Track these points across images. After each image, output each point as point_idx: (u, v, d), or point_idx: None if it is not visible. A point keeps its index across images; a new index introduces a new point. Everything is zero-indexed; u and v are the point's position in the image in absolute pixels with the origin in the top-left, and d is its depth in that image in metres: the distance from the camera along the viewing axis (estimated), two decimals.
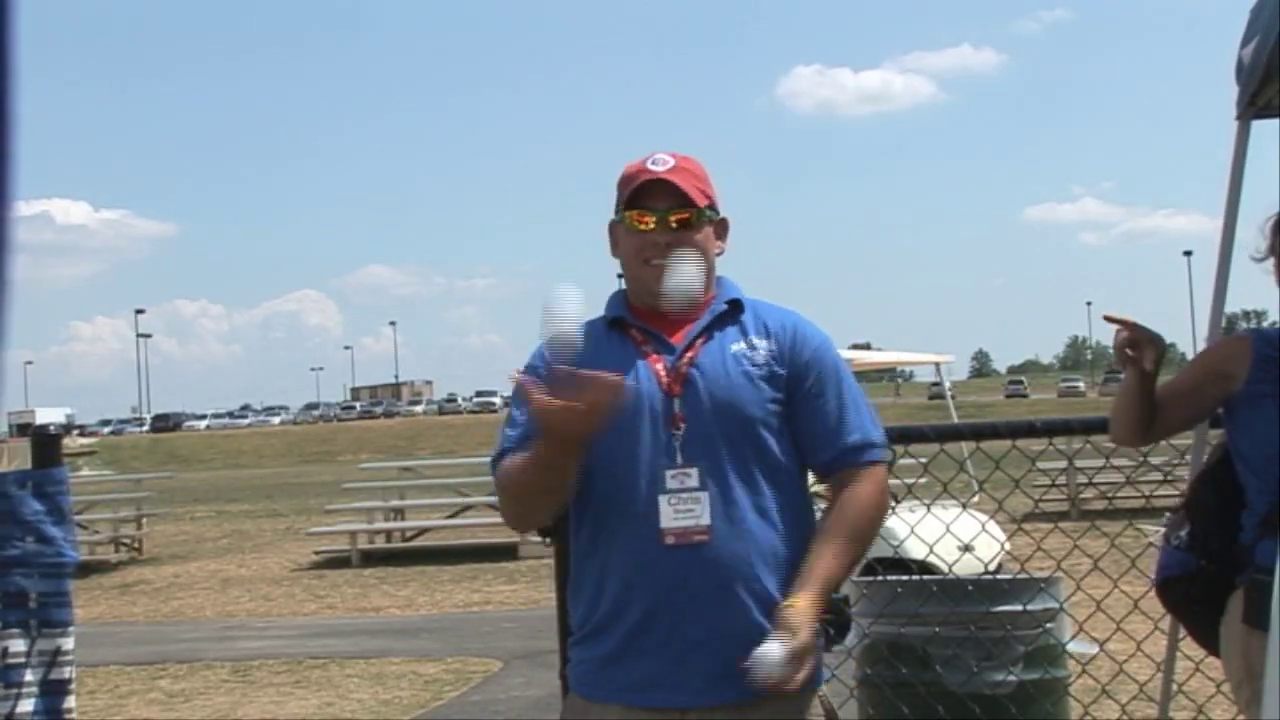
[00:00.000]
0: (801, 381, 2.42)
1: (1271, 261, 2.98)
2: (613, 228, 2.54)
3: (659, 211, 2.44)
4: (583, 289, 2.27)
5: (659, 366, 2.41)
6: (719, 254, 2.53)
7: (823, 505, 2.67)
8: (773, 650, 2.22)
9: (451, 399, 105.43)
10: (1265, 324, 3.21)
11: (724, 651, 2.30)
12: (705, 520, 2.32)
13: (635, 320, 2.48)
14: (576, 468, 2.31)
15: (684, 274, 2.40)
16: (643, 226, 2.45)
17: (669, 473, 2.35)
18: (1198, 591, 2.98)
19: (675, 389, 2.38)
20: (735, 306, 2.48)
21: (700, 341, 2.43)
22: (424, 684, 8.84)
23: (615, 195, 2.52)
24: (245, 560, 18.04)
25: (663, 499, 2.34)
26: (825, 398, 2.43)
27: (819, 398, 2.43)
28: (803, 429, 2.43)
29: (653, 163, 2.47)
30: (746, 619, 2.32)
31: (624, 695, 2.36)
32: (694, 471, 2.34)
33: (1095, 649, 4.78)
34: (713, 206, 2.50)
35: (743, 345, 2.43)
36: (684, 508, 2.33)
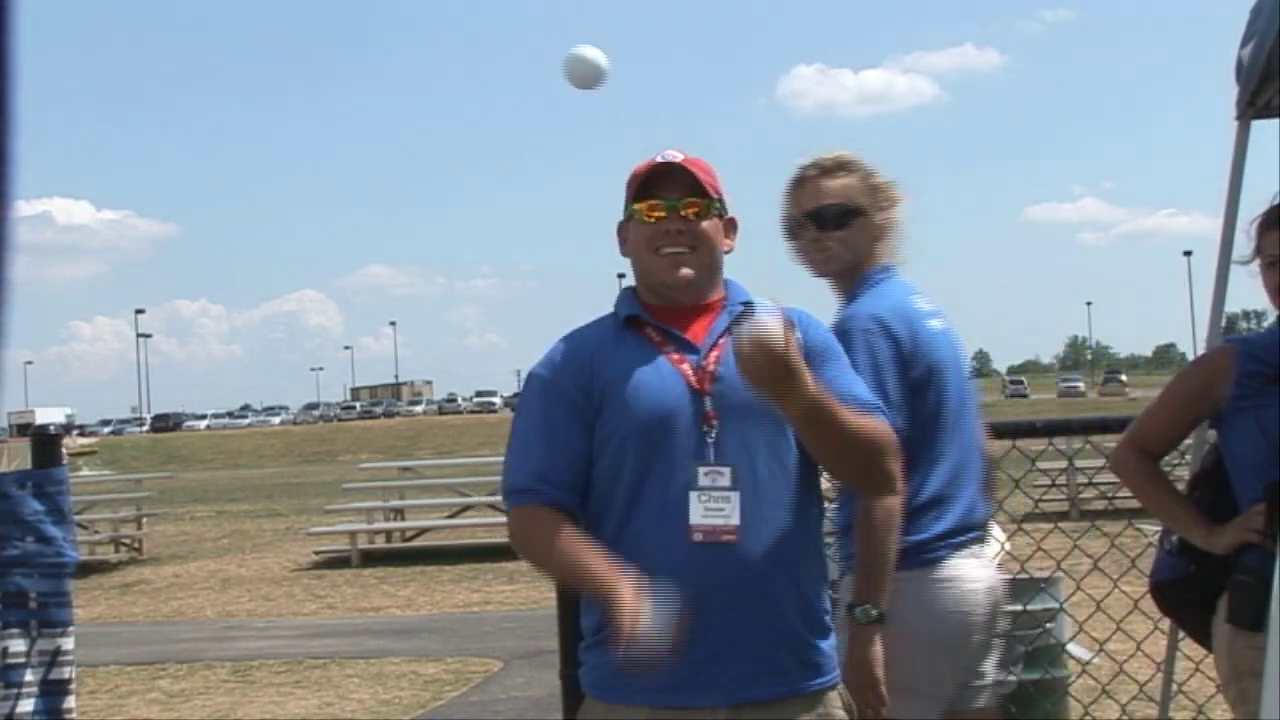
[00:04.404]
0: (810, 362, 2.40)
1: (1258, 263, 2.99)
2: (621, 228, 2.54)
3: (670, 201, 2.44)
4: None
5: (685, 366, 2.40)
6: (727, 252, 2.54)
7: (833, 505, 2.67)
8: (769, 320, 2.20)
9: (451, 399, 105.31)
10: (1265, 325, 3.21)
11: (751, 650, 2.31)
12: (734, 520, 2.31)
13: (651, 319, 2.47)
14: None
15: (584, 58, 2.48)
16: (652, 218, 2.45)
17: (702, 470, 2.33)
18: (1191, 594, 3.00)
19: (705, 387, 2.38)
20: (748, 308, 2.48)
21: (724, 340, 2.42)
22: (424, 684, 8.83)
23: (624, 196, 2.51)
24: (245, 560, 18.02)
25: (693, 495, 2.33)
26: (834, 368, 2.44)
27: (828, 369, 2.43)
28: None
29: (662, 156, 2.48)
30: (774, 618, 2.33)
31: (650, 696, 2.33)
32: (727, 471, 2.33)
33: (1090, 656, 4.78)
34: (722, 202, 2.51)
35: None
36: (714, 506, 2.32)
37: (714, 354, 2.42)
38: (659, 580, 2.29)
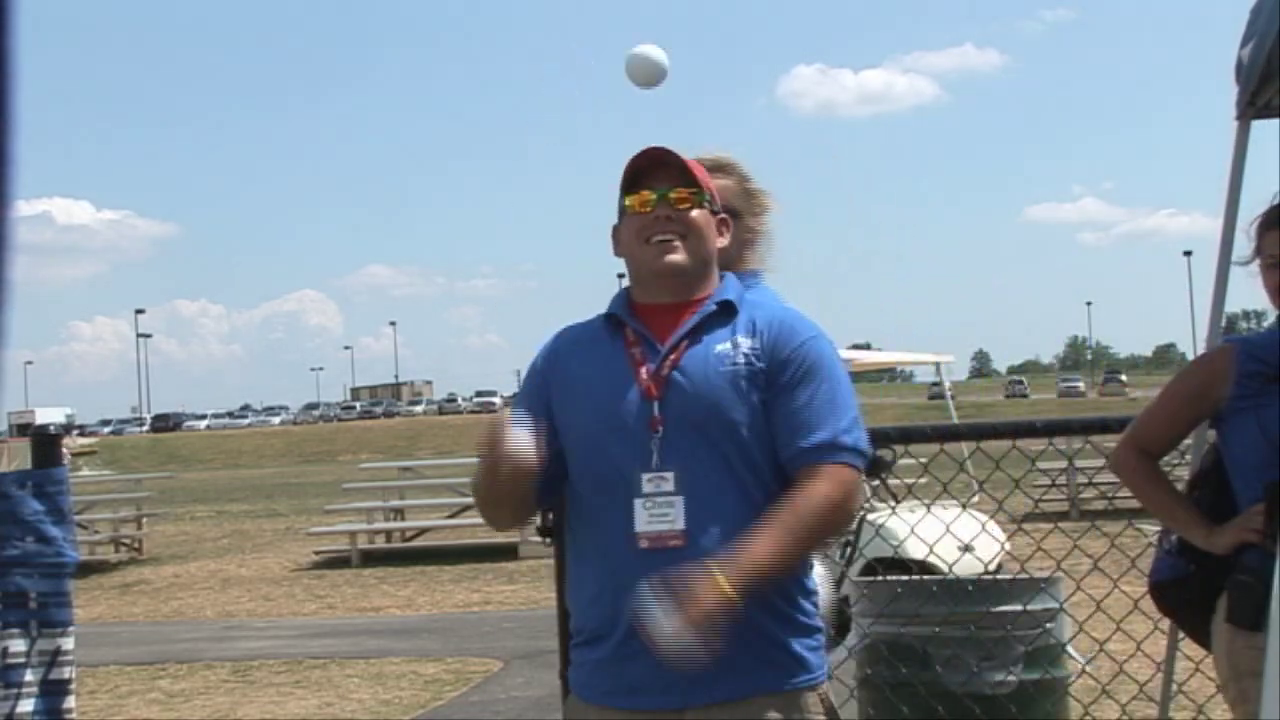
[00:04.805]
0: (778, 376, 2.36)
1: (1258, 263, 2.99)
2: (615, 230, 2.52)
3: (659, 190, 2.42)
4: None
5: (642, 370, 2.38)
6: (721, 249, 2.52)
7: None
8: (664, 621, 2.14)
9: (451, 399, 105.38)
10: (1265, 325, 3.21)
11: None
12: (680, 525, 2.30)
13: (632, 319, 2.45)
14: (519, 481, 2.29)
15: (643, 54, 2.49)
16: (642, 208, 2.43)
17: (645, 476, 2.32)
18: (1190, 594, 3.00)
19: (653, 392, 2.35)
20: (726, 307, 2.44)
21: (684, 344, 2.39)
22: (424, 684, 8.83)
23: (617, 199, 2.49)
24: (245, 560, 18.03)
25: (638, 503, 2.31)
26: (798, 393, 2.35)
27: (792, 393, 2.35)
28: (773, 425, 2.35)
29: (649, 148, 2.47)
30: (731, 618, 2.28)
31: (617, 699, 2.36)
32: (670, 475, 2.31)
33: (1085, 661, 4.79)
34: (713, 197, 2.50)
35: (727, 346, 2.38)
36: (658, 512, 2.31)
37: (671, 357, 2.38)
38: (611, 586, 2.31)
